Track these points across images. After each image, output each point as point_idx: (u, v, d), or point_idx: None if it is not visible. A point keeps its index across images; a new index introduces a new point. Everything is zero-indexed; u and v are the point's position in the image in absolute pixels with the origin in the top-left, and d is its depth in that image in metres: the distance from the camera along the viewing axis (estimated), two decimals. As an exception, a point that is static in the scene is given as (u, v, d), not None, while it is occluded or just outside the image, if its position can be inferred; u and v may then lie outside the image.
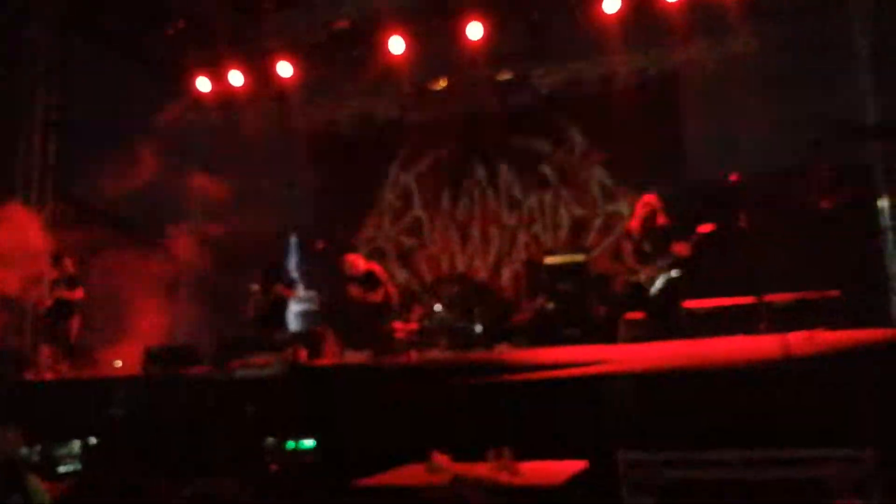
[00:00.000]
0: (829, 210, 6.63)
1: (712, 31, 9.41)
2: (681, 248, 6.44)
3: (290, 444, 5.22)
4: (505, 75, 10.81)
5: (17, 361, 7.75)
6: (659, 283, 6.54)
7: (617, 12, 9.43)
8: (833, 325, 5.43)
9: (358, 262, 8.48)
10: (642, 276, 6.69)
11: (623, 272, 7.36)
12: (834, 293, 6.39)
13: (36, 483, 4.15)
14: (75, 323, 8.48)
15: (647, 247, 6.69)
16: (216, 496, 4.19)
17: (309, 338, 6.98)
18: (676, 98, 10.05)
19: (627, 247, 6.86)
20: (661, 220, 6.77)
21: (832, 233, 6.79)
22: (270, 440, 5.30)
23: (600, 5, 9.40)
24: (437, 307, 9.46)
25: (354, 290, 8.41)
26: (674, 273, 6.57)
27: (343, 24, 10.37)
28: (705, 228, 6.41)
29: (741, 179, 6.97)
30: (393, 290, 8.61)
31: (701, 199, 8.35)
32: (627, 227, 6.99)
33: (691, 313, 6.61)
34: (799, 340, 4.80)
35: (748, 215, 6.47)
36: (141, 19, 10.23)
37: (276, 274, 8.65)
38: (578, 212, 10.74)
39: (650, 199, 6.89)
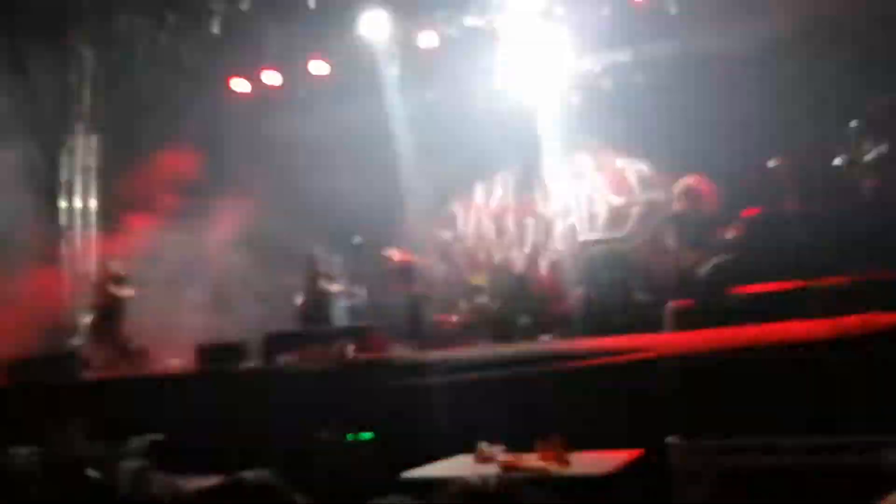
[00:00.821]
0: (878, 188, 6.42)
1: (750, 11, 9.24)
2: (727, 233, 6.32)
3: (350, 437, 5.29)
4: (538, 65, 10.73)
5: (75, 362, 7.97)
6: (706, 268, 6.42)
7: (649, -1, 9.33)
8: (888, 308, 5.31)
9: (395, 256, 8.57)
10: (688, 263, 6.57)
11: (667, 259, 7.27)
12: (888, 275, 6.23)
13: (97, 479, 4.27)
14: (126, 322, 8.71)
15: (692, 232, 6.56)
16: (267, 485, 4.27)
17: (356, 333, 7.05)
18: (713, 84, 9.88)
19: (672, 232, 6.73)
20: (708, 203, 6.62)
21: (884, 212, 6.61)
22: (321, 434, 5.38)
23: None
24: (479, 299, 9.49)
25: (394, 283, 8.49)
26: (720, 258, 6.46)
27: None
28: (751, 212, 6.30)
29: (785, 162, 6.85)
30: (432, 281, 8.68)
31: (742, 184, 8.24)
32: (671, 211, 6.85)
33: (740, 299, 6.50)
34: (852, 324, 4.72)
35: (794, 197, 6.36)
36: (178, 24, 10.39)
37: (318, 270, 8.77)
38: (616, 200, 10.66)
39: (694, 181, 6.71)
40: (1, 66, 9.41)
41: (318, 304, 8.62)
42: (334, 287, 8.88)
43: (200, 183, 10.01)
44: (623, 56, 10.41)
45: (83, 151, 10.67)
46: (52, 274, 8.82)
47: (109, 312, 8.59)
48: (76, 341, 9.37)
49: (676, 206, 6.79)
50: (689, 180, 6.73)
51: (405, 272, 8.51)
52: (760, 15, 8.82)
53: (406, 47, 10.37)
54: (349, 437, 5.26)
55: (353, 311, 9.24)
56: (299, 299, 8.75)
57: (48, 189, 10.22)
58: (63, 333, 9.24)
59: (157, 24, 10.09)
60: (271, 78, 10.85)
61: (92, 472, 4.23)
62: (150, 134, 10.12)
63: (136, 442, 4.95)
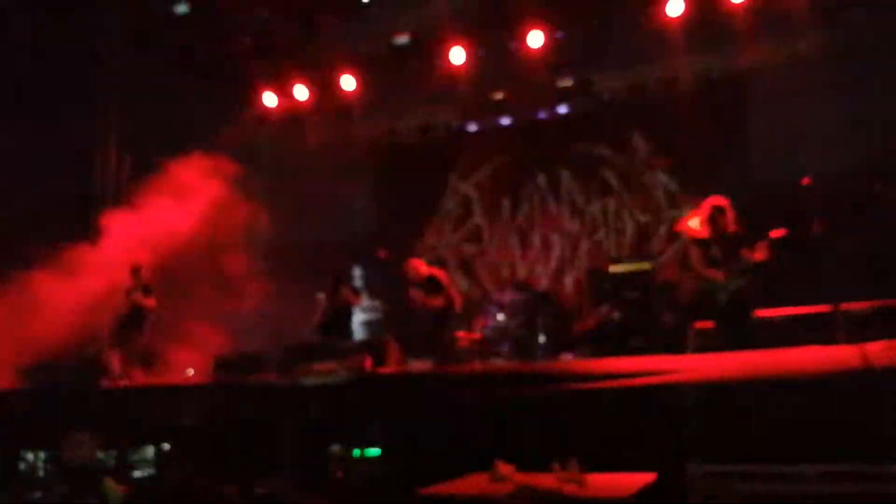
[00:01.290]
0: None
1: (778, 31, 9.15)
2: (752, 254, 6.19)
3: (357, 452, 5.27)
4: (566, 82, 10.74)
5: (94, 369, 8.05)
6: (729, 290, 6.30)
7: (680, 15, 9.27)
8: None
9: (421, 267, 8.51)
10: (711, 284, 6.45)
11: (690, 279, 7.16)
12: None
13: (111, 486, 4.29)
14: (147, 331, 8.79)
15: (716, 252, 6.44)
16: (282, 497, 4.26)
17: (373, 346, 7.04)
18: (742, 100, 9.80)
19: (695, 252, 6.61)
20: (732, 224, 6.50)
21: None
22: (336, 447, 5.36)
23: (663, 8, 9.26)
24: (500, 316, 9.42)
25: (416, 295, 8.42)
26: (745, 280, 6.33)
27: (403, 35, 10.51)
28: (778, 233, 6.17)
29: (813, 182, 6.72)
30: (455, 296, 8.62)
31: (770, 204, 8.11)
32: (694, 231, 6.73)
33: (764, 322, 6.39)
34: (878, 350, 4.60)
35: (822, 219, 6.23)
36: (207, 36, 10.55)
37: (342, 282, 8.79)
38: (642, 218, 10.58)
39: (719, 201, 6.58)
40: None
41: (338, 317, 8.63)
42: (357, 299, 8.89)
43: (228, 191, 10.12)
44: (651, 73, 10.37)
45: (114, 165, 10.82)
46: (78, 279, 8.92)
47: (132, 321, 8.67)
48: (96, 348, 9.47)
49: (700, 227, 6.67)
50: (713, 200, 6.61)
51: (430, 285, 8.45)
52: (792, 31, 8.74)
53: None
54: (356, 452, 5.24)
55: (371, 325, 9.24)
56: (319, 312, 8.76)
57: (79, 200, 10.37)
58: (85, 340, 9.34)
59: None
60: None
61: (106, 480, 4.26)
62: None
63: (147, 450, 4.97)
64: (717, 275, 6.34)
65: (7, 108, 9.18)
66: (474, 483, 4.34)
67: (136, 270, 8.80)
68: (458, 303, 8.68)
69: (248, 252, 10.07)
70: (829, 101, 8.25)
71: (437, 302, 8.32)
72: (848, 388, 4.25)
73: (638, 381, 4.97)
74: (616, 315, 8.65)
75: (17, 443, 6.07)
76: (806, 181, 6.63)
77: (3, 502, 4.28)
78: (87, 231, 9.74)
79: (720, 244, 6.41)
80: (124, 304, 8.76)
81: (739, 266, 6.28)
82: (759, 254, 6.14)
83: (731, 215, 6.46)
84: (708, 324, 6.69)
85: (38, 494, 5.24)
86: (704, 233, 6.48)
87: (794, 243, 6.13)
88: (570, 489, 3.97)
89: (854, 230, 7.45)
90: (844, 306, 6.21)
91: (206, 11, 10.23)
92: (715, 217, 6.44)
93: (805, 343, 5.59)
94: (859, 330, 5.71)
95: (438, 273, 8.68)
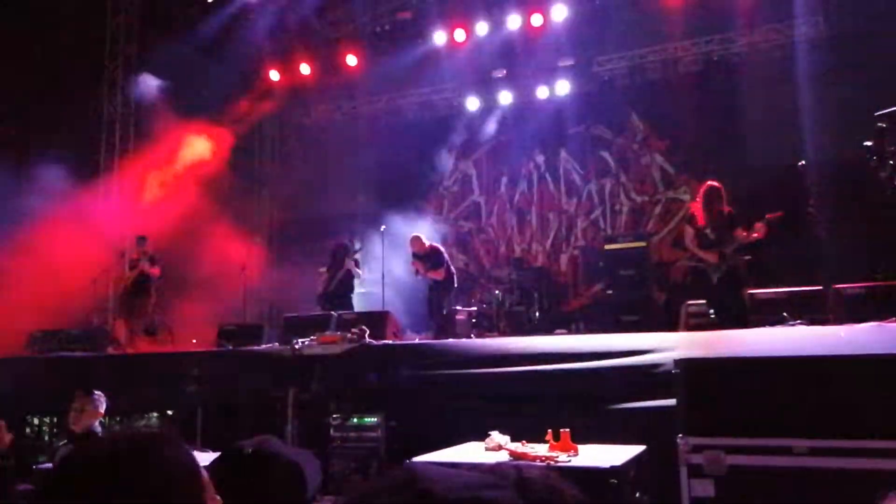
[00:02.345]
0: None
1: (776, 16, 9.19)
2: (749, 234, 6.32)
3: (354, 420, 5.39)
4: (566, 62, 10.75)
5: (101, 337, 8.15)
6: (722, 270, 6.42)
7: (679, -1, 9.30)
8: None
9: (422, 241, 8.69)
10: (704, 263, 6.58)
11: (684, 258, 7.26)
12: (906, 283, 6.20)
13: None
14: (152, 300, 8.89)
15: (710, 233, 6.57)
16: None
17: (372, 318, 7.14)
18: (739, 84, 9.84)
19: (689, 232, 6.74)
20: (725, 206, 6.63)
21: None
22: (335, 415, 5.47)
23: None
24: (496, 292, 9.55)
25: (418, 267, 8.61)
26: (736, 260, 6.45)
27: (406, 14, 10.51)
28: (774, 215, 6.27)
29: (807, 165, 6.80)
30: (454, 271, 8.78)
31: (765, 186, 8.19)
32: (690, 212, 6.85)
33: (755, 301, 6.50)
34: (868, 330, 4.71)
35: (816, 201, 6.32)
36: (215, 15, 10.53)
37: (343, 256, 8.91)
38: (638, 198, 10.65)
39: (713, 185, 6.73)
40: None
41: (338, 289, 8.76)
42: (359, 270, 9.03)
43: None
44: (651, 55, 10.39)
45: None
46: (85, 250, 8.98)
47: (138, 290, 8.76)
48: (104, 317, 9.57)
49: (695, 207, 6.80)
50: (709, 182, 6.75)
51: (431, 257, 8.61)
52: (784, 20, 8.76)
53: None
54: (353, 420, 5.35)
55: (372, 298, 9.35)
56: (321, 284, 8.88)
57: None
58: (92, 308, 9.44)
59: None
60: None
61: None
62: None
63: (153, 418, 5.06)
64: (711, 255, 6.47)
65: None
66: (469, 452, 4.44)
67: (140, 240, 8.89)
68: (456, 277, 8.87)
69: (251, 225, 10.14)
70: (825, 86, 8.29)
71: (438, 274, 8.54)
72: (836, 366, 4.36)
73: (629, 357, 5.10)
74: (610, 292, 8.77)
75: (24, 408, 6.18)
76: (801, 163, 6.72)
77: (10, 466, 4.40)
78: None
79: (713, 226, 6.53)
80: (130, 274, 8.85)
81: (733, 245, 6.41)
82: (758, 233, 6.26)
83: (723, 198, 6.58)
84: (700, 301, 6.82)
85: (43, 459, 5.35)
86: (700, 215, 6.62)
87: (787, 225, 6.23)
88: (563, 458, 4.09)
89: (846, 213, 7.54)
90: (836, 287, 6.32)
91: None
92: (710, 200, 6.56)
93: (796, 321, 5.73)
94: (850, 310, 5.83)
95: (439, 247, 8.86)
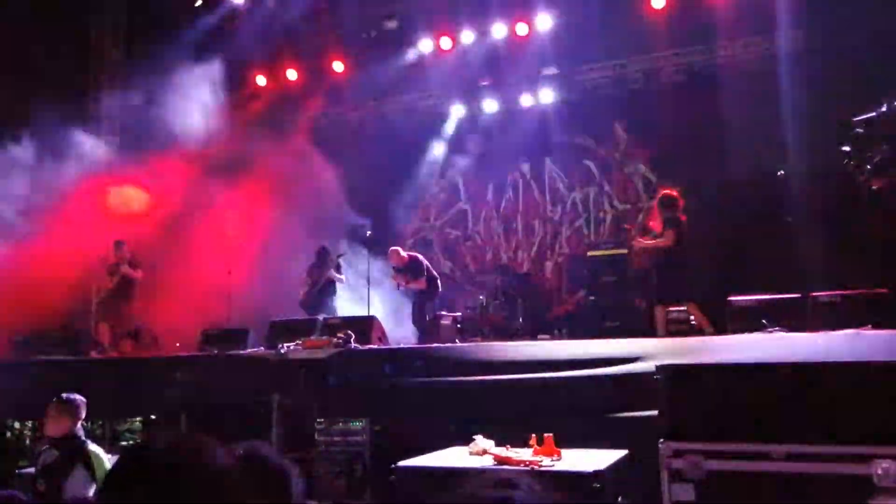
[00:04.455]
0: (880, 194, 6.41)
1: (758, 28, 9.33)
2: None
3: (339, 424, 5.41)
4: (550, 71, 10.83)
5: (83, 340, 8.10)
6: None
7: (663, 8, 9.40)
8: (880, 324, 5.40)
9: (400, 254, 8.77)
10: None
11: (660, 266, 7.34)
12: (882, 291, 6.32)
13: (98, 454, 4.35)
14: (135, 303, 8.85)
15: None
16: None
17: (357, 323, 7.17)
18: (721, 94, 9.95)
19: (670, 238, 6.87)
20: (682, 213, 6.81)
21: (881, 229, 6.65)
22: (320, 420, 5.48)
23: (648, 0, 9.38)
24: (481, 297, 9.60)
25: (399, 280, 8.68)
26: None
27: (392, 22, 10.58)
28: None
29: (787, 174, 6.92)
30: (436, 275, 8.86)
31: (745, 194, 8.31)
32: (647, 224, 7.03)
33: (735, 307, 6.58)
34: (845, 338, 4.80)
35: (795, 209, 6.43)
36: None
37: (326, 261, 8.93)
38: (621, 206, 10.75)
39: (670, 190, 6.92)
40: None
41: (322, 294, 8.79)
42: (340, 277, 9.04)
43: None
44: (634, 65, 10.50)
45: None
46: (67, 253, 8.92)
47: (120, 293, 8.72)
48: (85, 320, 9.51)
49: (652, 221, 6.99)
50: (665, 190, 6.92)
51: (411, 268, 8.68)
52: (769, 31, 8.89)
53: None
54: (340, 423, 5.37)
55: (355, 303, 9.37)
56: (304, 289, 8.89)
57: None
58: (74, 312, 9.37)
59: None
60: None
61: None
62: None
63: (136, 422, 5.04)
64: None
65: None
66: (454, 456, 4.48)
67: (118, 244, 8.84)
68: (439, 285, 8.93)
69: (236, 229, 10.11)
70: (804, 98, 8.43)
71: (420, 284, 8.61)
72: (814, 373, 4.44)
73: (612, 363, 5.15)
74: (592, 299, 8.86)
75: (5, 412, 6.13)
76: (780, 173, 6.84)
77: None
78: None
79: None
80: (112, 277, 8.80)
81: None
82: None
83: (681, 205, 6.73)
84: (681, 307, 6.91)
85: (24, 463, 5.31)
86: (657, 225, 6.78)
87: (766, 233, 6.35)
88: (546, 463, 4.13)
89: (825, 221, 7.65)
90: (814, 294, 6.42)
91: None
92: (666, 206, 6.71)
93: (774, 329, 5.81)
94: (827, 318, 5.93)
95: (418, 257, 8.94)
